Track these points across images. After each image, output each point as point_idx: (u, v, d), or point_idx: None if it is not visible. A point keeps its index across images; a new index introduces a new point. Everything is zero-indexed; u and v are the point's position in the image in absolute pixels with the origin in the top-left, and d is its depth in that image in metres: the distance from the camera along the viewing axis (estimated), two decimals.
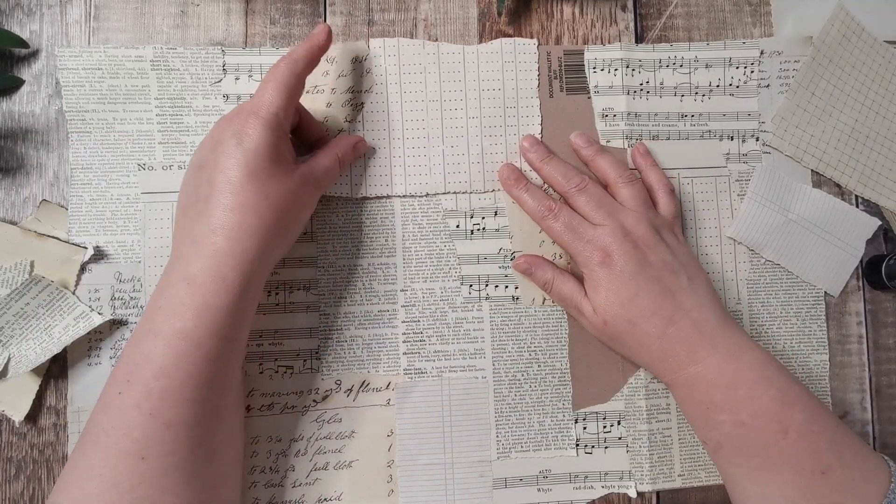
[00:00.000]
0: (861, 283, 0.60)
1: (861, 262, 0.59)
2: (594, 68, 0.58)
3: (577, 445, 0.56)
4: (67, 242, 0.54)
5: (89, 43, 0.56)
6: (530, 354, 0.57)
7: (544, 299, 0.57)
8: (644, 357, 0.52)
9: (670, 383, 0.52)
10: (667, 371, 0.51)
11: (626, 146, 0.58)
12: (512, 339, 0.56)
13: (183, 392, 0.42)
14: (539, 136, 0.57)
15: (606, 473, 0.56)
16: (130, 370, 0.42)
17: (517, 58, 0.58)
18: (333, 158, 0.52)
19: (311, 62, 0.50)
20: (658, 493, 0.57)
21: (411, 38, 0.58)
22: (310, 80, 0.56)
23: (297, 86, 0.49)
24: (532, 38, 0.59)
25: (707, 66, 0.59)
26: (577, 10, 0.60)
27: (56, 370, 0.54)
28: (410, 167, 0.57)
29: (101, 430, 0.42)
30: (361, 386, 0.55)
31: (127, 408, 0.42)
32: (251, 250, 0.45)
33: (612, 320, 0.51)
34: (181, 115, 0.56)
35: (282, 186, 0.46)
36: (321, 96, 0.56)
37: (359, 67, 0.57)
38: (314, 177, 0.50)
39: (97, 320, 0.52)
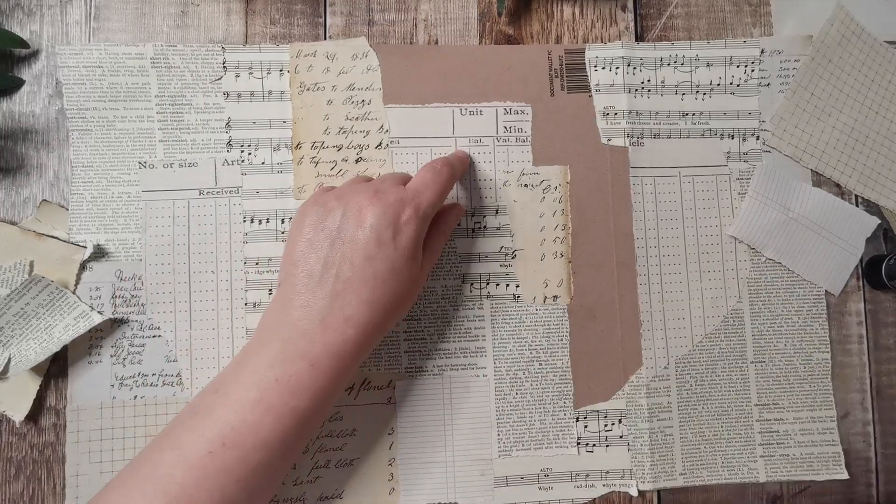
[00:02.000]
0: (861, 283, 0.59)
1: (861, 261, 0.59)
2: (595, 67, 0.58)
3: (579, 444, 0.56)
4: (67, 242, 0.54)
5: (90, 42, 0.56)
6: (531, 353, 0.56)
7: (545, 298, 0.57)
8: None
9: None
10: None
11: (627, 144, 0.58)
12: (513, 338, 0.56)
13: (278, 463, 0.43)
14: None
15: (607, 472, 0.56)
16: (229, 436, 0.42)
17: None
18: (443, 238, 0.53)
19: (464, 171, 0.55)
20: (659, 491, 0.57)
21: (411, 37, 0.58)
22: (311, 78, 0.56)
23: (450, 189, 0.51)
24: (532, 38, 0.59)
25: (708, 65, 0.59)
26: (577, 11, 0.60)
27: (56, 370, 0.53)
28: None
29: (174, 483, 0.41)
30: (362, 384, 0.55)
31: (215, 471, 0.41)
32: (372, 343, 0.47)
33: None
34: (182, 112, 0.55)
35: (412, 286, 0.48)
36: (322, 94, 0.56)
37: (359, 64, 0.57)
38: (433, 266, 0.53)
39: (97, 319, 0.52)
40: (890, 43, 0.61)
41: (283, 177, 0.56)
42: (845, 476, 0.57)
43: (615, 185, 0.58)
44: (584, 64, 0.58)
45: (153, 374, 0.54)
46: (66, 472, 0.52)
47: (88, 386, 0.53)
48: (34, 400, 0.53)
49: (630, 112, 0.58)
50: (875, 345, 0.59)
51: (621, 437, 0.57)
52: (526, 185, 0.57)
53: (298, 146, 0.56)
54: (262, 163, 0.56)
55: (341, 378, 0.45)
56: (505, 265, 0.57)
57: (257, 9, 0.58)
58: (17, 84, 0.55)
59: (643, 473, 0.56)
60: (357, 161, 0.56)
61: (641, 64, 0.59)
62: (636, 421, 0.57)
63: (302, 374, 0.43)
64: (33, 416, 0.53)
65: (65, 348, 0.52)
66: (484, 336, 0.56)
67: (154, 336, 0.54)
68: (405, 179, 0.51)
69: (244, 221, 0.55)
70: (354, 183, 0.50)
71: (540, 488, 0.56)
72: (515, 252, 0.57)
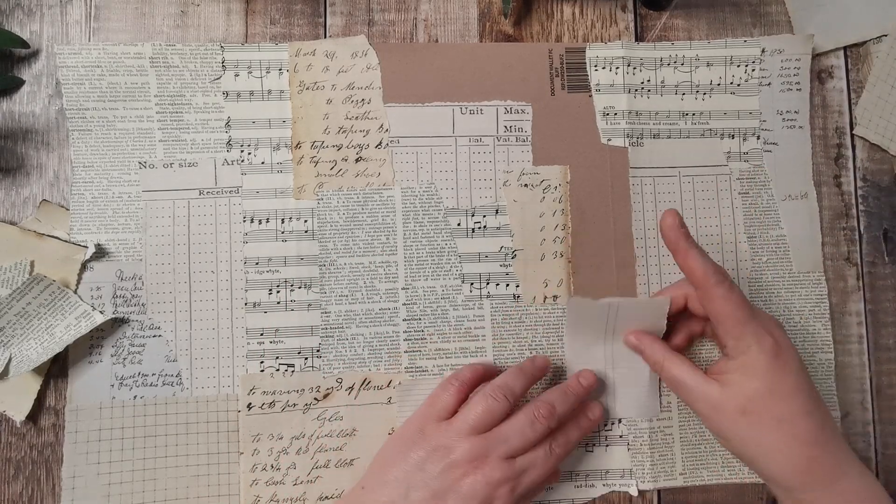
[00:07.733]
0: (861, 283, 0.59)
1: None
2: (596, 66, 0.58)
3: (578, 444, 0.56)
4: (68, 242, 0.54)
5: (89, 42, 0.56)
6: (531, 352, 0.56)
7: (545, 298, 0.57)
8: (780, 462, 0.46)
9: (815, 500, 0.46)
10: (813, 484, 0.46)
11: (626, 144, 0.58)
12: (513, 337, 0.56)
13: None
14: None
15: (607, 472, 0.56)
16: None
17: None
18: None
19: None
20: (659, 491, 0.57)
21: (411, 37, 0.58)
22: (310, 77, 0.56)
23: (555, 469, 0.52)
24: (532, 38, 0.59)
25: (708, 65, 0.59)
26: (577, 11, 0.60)
27: (56, 370, 0.53)
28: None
29: None
30: (363, 384, 0.55)
31: None
32: None
33: (755, 412, 0.46)
34: (181, 112, 0.56)
35: None
36: (321, 93, 0.56)
37: (359, 63, 0.57)
38: None
39: (99, 319, 0.52)
40: None
41: (283, 176, 0.56)
42: None
43: (615, 185, 0.58)
44: (585, 63, 0.58)
45: (153, 374, 0.54)
46: (63, 474, 0.52)
47: (88, 386, 0.53)
48: (34, 400, 0.53)
49: (630, 112, 0.58)
50: (875, 345, 0.59)
51: (621, 436, 0.56)
52: (526, 185, 0.57)
53: (298, 146, 0.56)
54: (262, 162, 0.56)
55: None
56: (505, 265, 0.57)
57: (257, 9, 0.58)
58: (17, 84, 0.55)
59: (643, 473, 0.56)
60: (357, 160, 0.56)
61: (641, 64, 0.59)
62: (636, 421, 0.57)
63: None
64: (33, 416, 0.53)
65: (66, 348, 0.52)
66: (484, 336, 0.56)
67: (154, 336, 0.54)
68: (527, 440, 0.49)
69: (244, 221, 0.55)
70: (473, 421, 0.49)
71: None
72: (515, 252, 0.57)
